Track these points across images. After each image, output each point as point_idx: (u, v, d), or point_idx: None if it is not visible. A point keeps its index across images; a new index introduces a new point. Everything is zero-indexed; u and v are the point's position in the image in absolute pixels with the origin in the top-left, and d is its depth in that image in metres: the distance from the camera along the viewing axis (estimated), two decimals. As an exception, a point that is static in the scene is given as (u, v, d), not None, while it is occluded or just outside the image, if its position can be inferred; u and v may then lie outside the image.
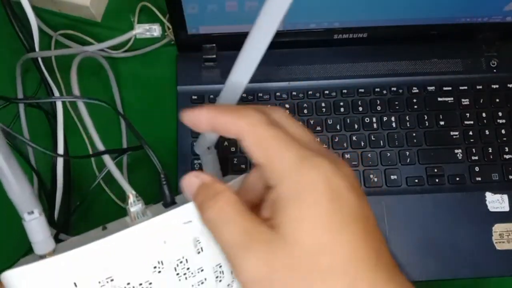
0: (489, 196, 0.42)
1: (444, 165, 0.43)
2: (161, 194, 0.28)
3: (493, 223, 0.41)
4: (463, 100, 0.45)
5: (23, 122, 0.44)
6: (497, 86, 0.46)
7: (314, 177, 0.19)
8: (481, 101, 0.45)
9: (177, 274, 0.27)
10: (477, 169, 0.43)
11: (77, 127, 0.45)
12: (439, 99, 0.45)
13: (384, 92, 0.45)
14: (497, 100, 0.45)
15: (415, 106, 0.45)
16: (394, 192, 0.42)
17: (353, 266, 0.19)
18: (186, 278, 0.28)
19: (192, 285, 0.28)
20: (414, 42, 0.46)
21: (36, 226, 0.24)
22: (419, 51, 0.47)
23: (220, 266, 0.29)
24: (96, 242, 0.24)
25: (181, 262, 0.27)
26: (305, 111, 0.45)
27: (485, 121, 0.44)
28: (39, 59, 0.43)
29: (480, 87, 0.45)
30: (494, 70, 0.46)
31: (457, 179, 0.43)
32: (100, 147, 0.29)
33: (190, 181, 0.23)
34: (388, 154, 0.43)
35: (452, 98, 0.45)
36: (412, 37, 0.46)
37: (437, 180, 0.43)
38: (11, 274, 0.23)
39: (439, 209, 0.42)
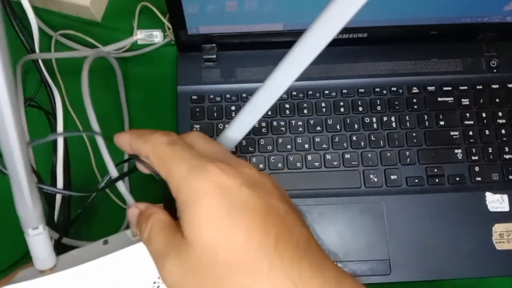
0: (489, 196, 0.42)
1: (444, 165, 0.43)
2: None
3: (493, 223, 0.41)
4: (463, 100, 0.45)
5: (23, 122, 0.44)
6: (497, 86, 0.46)
7: (202, 182, 0.21)
8: (481, 101, 0.45)
9: None
10: (477, 169, 0.43)
11: (77, 127, 0.45)
12: (439, 99, 0.45)
13: (384, 92, 0.45)
14: (497, 100, 0.45)
15: (415, 106, 0.45)
16: (394, 192, 0.42)
17: (249, 254, 0.20)
18: None
19: None
20: (414, 42, 0.46)
21: (39, 242, 0.24)
22: (419, 51, 0.47)
23: None
24: (98, 260, 0.24)
25: None
26: (305, 111, 0.45)
27: (485, 121, 0.44)
28: (39, 60, 0.43)
29: (480, 87, 0.45)
30: (494, 70, 0.46)
31: (457, 179, 0.43)
32: (113, 173, 0.26)
33: (131, 212, 0.25)
34: (388, 154, 0.43)
35: (452, 98, 0.45)
36: (412, 37, 0.46)
37: (437, 180, 0.43)
38: None
39: (439, 209, 0.42)
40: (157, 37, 0.44)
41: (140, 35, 0.43)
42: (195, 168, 0.21)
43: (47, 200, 0.42)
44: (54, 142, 0.43)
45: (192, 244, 0.20)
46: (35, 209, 0.22)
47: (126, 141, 0.25)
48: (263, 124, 0.44)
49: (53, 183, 0.42)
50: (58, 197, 0.41)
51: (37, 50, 0.43)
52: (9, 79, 0.17)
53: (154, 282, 0.26)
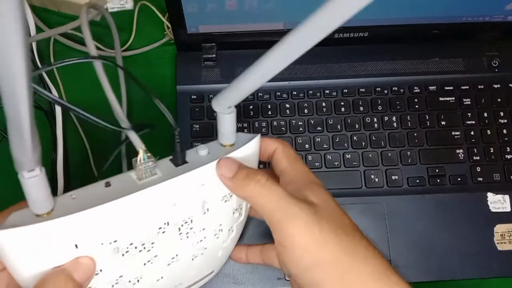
0: (491, 197, 0.42)
1: (446, 165, 0.43)
2: (173, 151, 0.26)
3: (495, 223, 0.41)
4: (464, 99, 0.45)
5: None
6: (498, 85, 0.45)
7: (323, 193, 0.28)
8: (483, 101, 0.45)
9: (180, 233, 0.27)
10: (478, 169, 0.43)
11: (76, 127, 0.45)
12: (441, 98, 0.45)
13: (385, 91, 0.45)
14: (499, 99, 0.45)
15: (416, 106, 0.45)
16: (395, 193, 0.42)
17: (359, 230, 0.27)
18: (187, 237, 0.28)
19: (192, 244, 0.28)
20: (416, 41, 0.46)
21: (35, 185, 0.21)
22: (420, 50, 0.46)
23: (221, 225, 0.30)
24: (102, 206, 0.22)
25: (186, 222, 0.27)
26: (306, 110, 0.44)
27: (486, 121, 0.44)
28: (36, 57, 0.43)
29: (482, 86, 0.45)
30: (496, 70, 0.46)
31: (459, 179, 0.42)
32: (123, 119, 0.25)
33: (228, 162, 0.27)
34: (389, 154, 0.43)
35: (453, 98, 0.45)
36: (414, 36, 0.45)
37: (438, 181, 0.42)
38: (4, 234, 0.21)
39: (441, 210, 0.41)
40: (127, 2, 0.42)
41: (110, 3, 0.41)
42: (315, 181, 0.29)
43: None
44: (54, 141, 0.43)
45: (322, 210, 0.26)
46: (34, 151, 0.20)
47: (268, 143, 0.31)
48: (263, 124, 0.44)
49: (53, 177, 0.42)
50: (60, 187, 0.41)
51: (34, 49, 0.42)
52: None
53: (160, 228, 0.25)
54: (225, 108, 0.26)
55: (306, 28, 0.18)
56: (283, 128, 0.44)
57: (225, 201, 0.29)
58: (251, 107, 0.44)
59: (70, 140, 0.44)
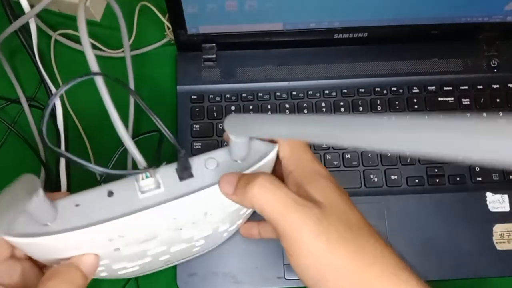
0: (490, 196, 0.42)
1: (445, 165, 0.43)
2: (179, 168, 0.25)
3: (494, 223, 0.41)
4: (463, 100, 0.45)
5: (30, 118, 0.45)
6: (497, 86, 0.45)
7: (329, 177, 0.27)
8: (482, 101, 0.45)
9: (180, 233, 0.28)
10: (477, 169, 0.43)
11: (77, 128, 0.45)
12: (440, 99, 0.45)
13: (385, 92, 0.45)
14: (498, 100, 0.45)
15: (416, 106, 0.45)
16: (395, 192, 0.42)
17: (367, 225, 0.26)
18: (188, 235, 0.29)
19: (193, 237, 0.30)
20: (415, 42, 0.46)
21: (38, 209, 0.22)
22: (420, 50, 0.46)
23: (225, 223, 0.32)
24: (105, 225, 0.23)
25: (186, 226, 0.28)
26: (305, 111, 0.45)
27: (485, 121, 0.44)
28: (38, 58, 0.43)
29: (481, 87, 0.45)
30: (495, 70, 0.46)
31: (458, 179, 0.43)
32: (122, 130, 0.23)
33: (227, 178, 0.25)
34: (389, 154, 0.43)
35: (452, 98, 0.45)
36: (413, 37, 0.45)
37: (437, 180, 0.42)
38: (15, 241, 0.23)
39: (440, 209, 0.42)
40: None
41: None
42: (320, 171, 0.27)
43: (52, 189, 0.42)
44: (58, 140, 0.43)
45: (327, 209, 0.24)
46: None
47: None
48: (263, 124, 0.44)
49: (57, 173, 0.43)
50: (63, 184, 0.42)
51: (35, 49, 0.43)
52: None
53: (159, 232, 0.26)
54: (237, 135, 0.24)
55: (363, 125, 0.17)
56: (283, 128, 0.44)
57: (231, 208, 0.29)
58: (251, 107, 0.45)
59: (71, 140, 0.45)
